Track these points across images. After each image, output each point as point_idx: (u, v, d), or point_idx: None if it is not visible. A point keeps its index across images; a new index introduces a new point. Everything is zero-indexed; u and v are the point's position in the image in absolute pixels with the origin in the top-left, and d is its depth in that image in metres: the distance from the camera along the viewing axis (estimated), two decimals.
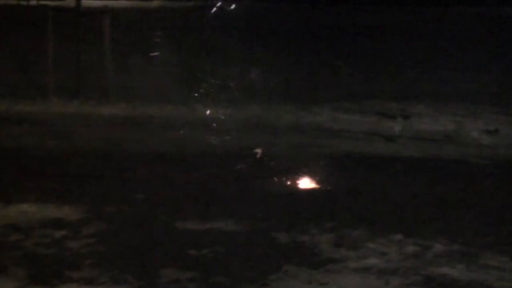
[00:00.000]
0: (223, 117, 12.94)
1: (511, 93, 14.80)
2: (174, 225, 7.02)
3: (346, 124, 12.40)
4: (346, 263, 6.08)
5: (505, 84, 15.87)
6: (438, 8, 34.25)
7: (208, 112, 13.27)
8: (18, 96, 14.22)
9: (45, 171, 9.06)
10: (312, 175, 8.69)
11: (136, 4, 33.31)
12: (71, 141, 10.82)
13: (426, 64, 19.28)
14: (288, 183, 8.54)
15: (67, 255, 6.23)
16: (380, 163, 9.84)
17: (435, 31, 25.59)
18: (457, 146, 10.94)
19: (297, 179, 8.61)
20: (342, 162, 9.74)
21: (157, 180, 8.67)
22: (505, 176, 9.30)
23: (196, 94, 14.30)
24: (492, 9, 32.19)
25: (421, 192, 8.32)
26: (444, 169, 9.57)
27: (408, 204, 7.82)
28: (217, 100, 13.68)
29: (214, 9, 17.31)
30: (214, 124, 12.27)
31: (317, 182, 8.56)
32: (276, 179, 8.62)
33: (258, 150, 9.80)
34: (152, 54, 18.18)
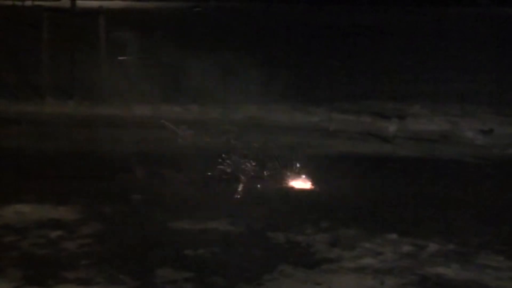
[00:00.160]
0: (218, 117, 12.95)
1: (506, 93, 14.84)
2: (170, 225, 7.02)
3: (342, 124, 12.41)
4: (342, 263, 6.09)
5: (500, 84, 15.92)
6: (435, 8, 34.32)
7: (204, 112, 13.28)
8: (13, 97, 14.21)
9: (41, 171, 9.06)
10: (307, 175, 8.69)
11: (132, 4, 33.34)
12: (67, 142, 10.82)
13: (422, 64, 19.34)
14: (284, 183, 8.54)
15: (63, 255, 6.23)
16: (376, 163, 9.85)
17: (431, 32, 25.66)
18: (452, 146, 10.96)
19: (293, 179, 8.61)
20: (338, 162, 9.75)
21: (153, 181, 8.67)
22: (500, 175, 9.32)
23: (191, 94, 14.30)
24: (489, 10, 32.26)
25: (417, 192, 8.33)
26: (439, 169, 9.59)
27: (403, 204, 7.84)
28: (213, 100, 13.69)
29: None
30: (209, 124, 12.28)
31: (313, 182, 8.56)
32: (271, 179, 8.62)
33: (253, 150, 9.79)
34: (147, 54, 18.20)
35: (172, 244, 6.50)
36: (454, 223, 7.17)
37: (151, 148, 10.42)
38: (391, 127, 12.01)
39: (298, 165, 8.75)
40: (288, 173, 8.68)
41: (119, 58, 16.41)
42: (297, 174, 8.67)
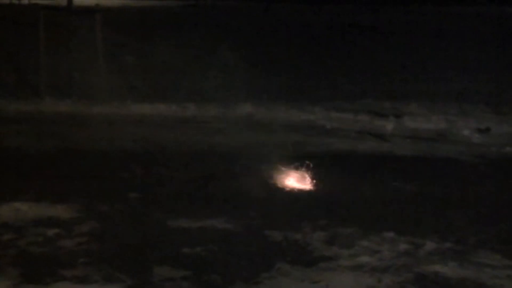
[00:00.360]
0: (215, 116, 12.95)
1: (503, 92, 14.86)
2: (167, 223, 7.03)
3: (339, 123, 12.42)
4: (339, 261, 6.10)
5: (498, 83, 15.93)
6: (434, 8, 34.35)
7: (201, 110, 13.28)
8: (10, 95, 14.20)
9: (39, 170, 9.05)
10: (304, 173, 8.70)
11: (129, 3, 33.32)
12: (64, 140, 10.81)
13: (419, 63, 19.35)
14: (281, 181, 8.55)
15: (60, 253, 6.23)
16: (372, 161, 9.86)
17: (429, 31, 25.68)
18: (449, 145, 10.96)
19: (290, 177, 8.61)
20: (335, 160, 9.76)
21: (151, 179, 8.68)
22: (497, 174, 9.33)
23: (188, 93, 14.31)
24: (488, 9, 32.28)
25: (414, 190, 8.34)
26: (436, 167, 9.59)
27: (401, 203, 7.85)
28: (210, 99, 13.69)
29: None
30: (207, 123, 12.29)
31: (310, 181, 8.57)
32: (268, 178, 8.63)
33: (251, 149, 9.81)
34: (145, 53, 18.20)
35: (170, 242, 6.50)
36: (451, 221, 7.18)
37: (149, 147, 10.42)
38: (389, 126, 12.02)
39: (295, 163, 8.76)
40: (286, 171, 8.69)
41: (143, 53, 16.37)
42: (295, 172, 8.67)
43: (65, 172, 8.92)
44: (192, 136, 11.15)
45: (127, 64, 17.06)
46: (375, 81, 16.72)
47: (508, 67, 18.03)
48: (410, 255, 6.24)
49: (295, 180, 8.56)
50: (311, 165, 8.82)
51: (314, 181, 8.57)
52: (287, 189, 8.32)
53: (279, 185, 8.40)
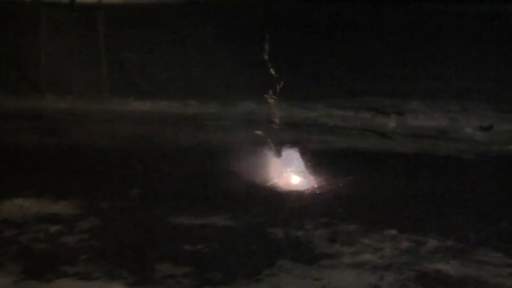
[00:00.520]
0: (216, 113, 12.95)
1: (506, 90, 14.83)
2: (169, 220, 7.03)
3: (341, 120, 12.41)
4: (341, 259, 6.09)
5: (500, 81, 15.90)
6: (433, 5, 34.31)
7: (202, 107, 13.28)
8: (11, 92, 14.21)
9: (40, 166, 9.06)
10: (306, 171, 8.69)
11: (131, 0, 33.29)
12: (65, 137, 10.81)
13: (420, 60, 19.32)
14: (282, 178, 8.54)
15: (62, 250, 6.24)
16: (374, 159, 9.85)
17: (430, 28, 25.65)
18: (451, 143, 10.95)
19: (291, 174, 8.61)
20: (337, 158, 9.75)
21: (152, 176, 8.68)
22: (499, 172, 9.31)
23: (189, 90, 14.31)
24: (489, 7, 32.24)
25: (416, 188, 8.33)
26: (438, 165, 9.58)
27: (402, 200, 7.84)
28: (211, 96, 13.69)
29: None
30: (208, 120, 12.28)
31: (311, 178, 8.56)
32: (270, 175, 8.62)
33: (252, 146, 9.79)
34: (146, 50, 18.19)
35: (171, 240, 6.51)
36: (453, 219, 7.17)
37: (149, 144, 10.42)
38: (390, 124, 12.01)
39: (297, 160, 8.75)
40: (287, 169, 8.68)
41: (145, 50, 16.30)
42: (296, 170, 8.67)
43: (67, 169, 8.93)
44: (194, 134, 11.15)
45: (129, 61, 17.05)
46: (376, 78, 16.70)
47: (510, 65, 18.00)
48: (411, 253, 6.23)
49: (296, 178, 8.55)
50: (312, 163, 8.82)
51: (316, 178, 8.56)
52: (289, 186, 8.32)
53: (281, 183, 8.40)
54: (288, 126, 11.78)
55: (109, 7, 17.46)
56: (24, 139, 10.61)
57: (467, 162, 9.78)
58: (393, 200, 7.82)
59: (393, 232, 6.67)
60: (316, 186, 8.34)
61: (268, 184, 8.34)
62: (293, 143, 10.24)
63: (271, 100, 9.60)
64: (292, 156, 8.83)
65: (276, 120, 9.69)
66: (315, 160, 8.88)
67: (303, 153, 8.88)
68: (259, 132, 8.99)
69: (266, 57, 9.39)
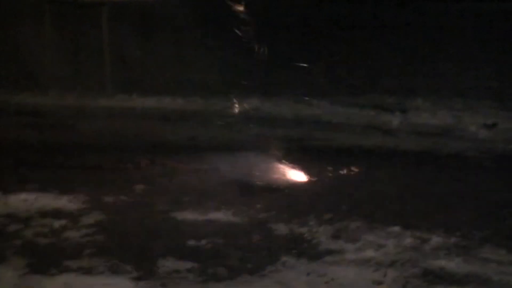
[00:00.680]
0: (221, 110, 12.94)
1: (509, 87, 14.81)
2: (173, 215, 7.03)
3: (345, 118, 12.40)
4: (344, 255, 6.09)
5: (504, 78, 15.88)
6: (438, 3, 34.22)
7: (206, 104, 13.28)
8: (16, 88, 14.23)
9: (44, 161, 9.07)
10: (310, 167, 8.70)
11: None
12: (70, 132, 10.83)
13: (424, 58, 19.30)
14: (286, 175, 8.55)
15: (66, 244, 6.25)
16: (378, 156, 9.84)
17: (435, 26, 25.59)
18: (455, 140, 10.94)
19: (295, 171, 8.61)
20: (340, 155, 9.74)
21: (156, 171, 8.68)
22: (503, 170, 9.30)
23: (193, 86, 14.31)
24: (491, 4, 32.16)
25: (420, 185, 8.32)
26: (442, 163, 9.57)
27: (406, 197, 7.83)
28: (216, 93, 13.68)
29: None
30: (212, 117, 12.28)
31: (315, 175, 8.57)
32: (274, 171, 8.63)
33: (256, 143, 9.81)
34: (150, 46, 18.17)
35: (175, 235, 6.51)
36: (457, 216, 7.16)
37: (153, 140, 10.42)
38: (394, 121, 12.00)
39: (301, 158, 8.76)
40: (291, 166, 8.69)
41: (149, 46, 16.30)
42: (300, 167, 8.67)
43: (71, 164, 8.94)
44: (198, 130, 11.15)
45: (132, 57, 17.05)
46: (380, 76, 16.68)
47: None
48: (415, 250, 6.23)
49: (300, 174, 8.56)
50: (317, 159, 8.83)
51: (320, 175, 8.56)
52: (293, 183, 8.32)
53: (285, 179, 8.40)
54: (292, 123, 11.79)
55: (113, 4, 17.44)
56: (28, 134, 10.63)
57: (471, 160, 9.76)
58: (397, 197, 7.81)
59: (397, 229, 6.67)
60: (319, 182, 8.34)
61: (272, 180, 8.34)
62: (297, 140, 10.26)
63: (274, 97, 9.57)
64: (296, 153, 8.84)
65: (279, 117, 9.68)
66: (319, 157, 8.88)
67: (307, 150, 8.89)
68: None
69: (269, 54, 9.34)
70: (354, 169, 8.97)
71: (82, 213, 7.02)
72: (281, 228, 6.72)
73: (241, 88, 13.66)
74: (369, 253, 6.15)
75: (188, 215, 7.03)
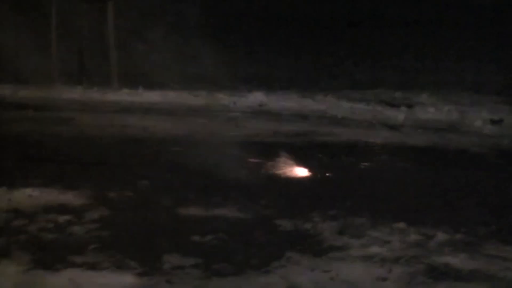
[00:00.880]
0: (226, 104, 12.94)
1: None
2: (178, 211, 7.03)
3: (350, 113, 12.39)
4: (349, 251, 6.08)
5: (510, 74, 15.83)
6: None
7: (212, 98, 13.28)
8: (23, 82, 14.25)
9: (49, 156, 9.08)
10: (315, 162, 8.69)
11: None
12: (75, 127, 10.84)
13: (430, 53, 19.26)
14: (291, 170, 8.54)
15: (70, 240, 6.24)
16: (383, 151, 9.83)
17: (442, 21, 25.51)
18: (460, 136, 10.93)
19: (301, 166, 8.61)
20: (346, 150, 9.73)
21: (161, 167, 8.68)
22: (509, 165, 9.29)
23: (199, 81, 14.30)
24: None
25: (424, 181, 8.32)
26: (447, 158, 9.56)
27: (411, 193, 7.83)
28: (221, 87, 13.68)
29: None
30: (218, 111, 12.28)
31: (320, 170, 8.56)
32: (279, 167, 8.62)
33: (262, 138, 9.80)
34: (156, 40, 18.16)
35: (180, 230, 6.50)
36: (462, 212, 7.15)
37: (159, 134, 10.42)
38: (400, 116, 11.98)
39: (306, 152, 8.75)
40: (296, 161, 8.68)
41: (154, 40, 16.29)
42: (305, 162, 8.67)
43: (76, 159, 8.94)
44: (203, 124, 11.15)
45: (138, 51, 17.05)
46: (387, 71, 16.65)
47: None
48: (420, 246, 6.21)
49: (305, 170, 8.55)
50: (322, 155, 8.82)
51: (325, 170, 8.56)
52: (298, 178, 8.31)
53: (290, 174, 8.39)
54: (298, 118, 11.79)
55: None
56: (34, 129, 10.64)
57: (477, 155, 9.75)
58: (402, 193, 7.81)
59: (402, 225, 6.65)
60: (324, 178, 8.33)
61: (277, 176, 8.33)
62: (302, 135, 10.26)
63: (280, 92, 9.56)
64: (300, 148, 8.84)
65: (284, 112, 9.67)
66: (324, 152, 8.87)
67: (311, 145, 8.88)
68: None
69: (275, 49, 9.34)
70: (359, 164, 8.97)
71: (86, 209, 7.01)
72: (286, 224, 6.70)
73: (247, 82, 13.66)
74: (374, 249, 6.13)
75: (193, 211, 7.02)
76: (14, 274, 5.50)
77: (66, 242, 6.18)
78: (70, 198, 7.33)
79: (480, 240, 6.38)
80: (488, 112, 12.23)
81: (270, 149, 9.24)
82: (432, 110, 12.51)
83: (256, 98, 13.15)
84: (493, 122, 11.61)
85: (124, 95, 13.50)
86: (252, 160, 8.86)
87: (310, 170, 8.52)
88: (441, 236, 6.42)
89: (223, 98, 13.22)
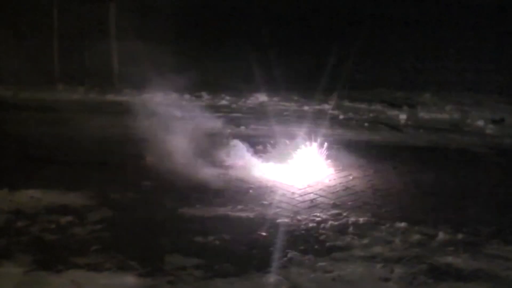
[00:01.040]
0: (228, 105, 12.93)
1: None
2: (180, 211, 7.02)
3: (352, 112, 12.38)
4: (351, 251, 6.08)
5: (510, 73, 15.80)
6: None
7: (214, 99, 13.26)
8: (24, 83, 14.24)
9: (51, 157, 9.06)
10: (317, 163, 8.68)
11: None
12: (77, 128, 10.82)
13: (430, 52, 19.22)
14: (293, 170, 8.53)
15: (72, 241, 6.25)
16: (385, 151, 9.82)
17: (443, 21, 25.47)
18: (462, 135, 10.92)
19: (303, 166, 8.60)
20: (348, 150, 9.72)
21: (163, 167, 8.66)
22: (510, 165, 9.28)
23: (201, 82, 14.28)
24: None
25: (426, 181, 8.31)
26: (449, 158, 9.56)
27: (413, 193, 7.82)
28: (223, 88, 13.67)
29: None
30: (220, 111, 12.27)
31: (322, 170, 8.56)
32: (281, 166, 8.62)
33: (264, 138, 9.79)
34: (158, 41, 18.13)
35: (182, 231, 6.50)
36: (464, 212, 7.15)
37: (161, 135, 10.41)
38: (402, 116, 11.97)
39: (308, 152, 8.75)
40: (299, 161, 8.67)
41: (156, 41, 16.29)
42: (307, 162, 8.66)
43: (78, 160, 8.93)
44: (205, 125, 11.13)
45: (140, 52, 17.03)
46: (388, 71, 16.63)
47: None
48: (422, 246, 6.22)
49: (307, 170, 8.54)
50: (323, 155, 8.81)
51: (327, 170, 8.55)
52: (300, 178, 8.30)
53: (292, 175, 8.38)
54: (300, 118, 11.77)
55: None
56: (36, 130, 10.63)
57: (478, 155, 9.74)
58: (404, 193, 7.81)
59: (404, 225, 6.65)
60: (326, 178, 8.33)
61: (280, 176, 8.33)
62: (303, 135, 10.23)
63: (282, 92, 9.56)
64: (303, 148, 8.83)
65: (288, 112, 9.66)
66: (326, 152, 8.86)
67: (313, 145, 8.87)
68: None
69: (277, 50, 9.34)
70: (361, 164, 8.97)
71: (88, 210, 7.02)
72: (288, 224, 6.71)
73: (249, 82, 13.65)
74: (376, 249, 6.14)
75: (196, 212, 7.02)
76: (16, 275, 5.51)
77: (68, 243, 6.19)
78: (72, 199, 7.33)
79: (482, 240, 6.39)
80: (490, 111, 12.22)
81: (271, 150, 9.22)
82: (434, 109, 12.50)
83: (258, 98, 13.14)
84: (494, 121, 11.60)
85: (126, 96, 13.48)
86: (253, 160, 8.83)
87: (311, 171, 8.51)
88: (443, 236, 6.43)
89: (224, 99, 13.21)
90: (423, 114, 12.23)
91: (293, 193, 7.74)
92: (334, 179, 8.30)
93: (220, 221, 6.79)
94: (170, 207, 7.17)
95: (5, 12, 16.39)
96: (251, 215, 6.97)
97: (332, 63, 16.79)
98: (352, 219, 6.83)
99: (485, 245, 6.25)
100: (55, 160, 8.92)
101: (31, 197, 7.33)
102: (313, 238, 6.39)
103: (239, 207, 7.15)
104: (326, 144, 9.10)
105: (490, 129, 11.28)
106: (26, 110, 12.17)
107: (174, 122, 10.34)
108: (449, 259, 5.93)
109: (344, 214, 6.99)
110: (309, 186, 8.03)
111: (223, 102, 13.25)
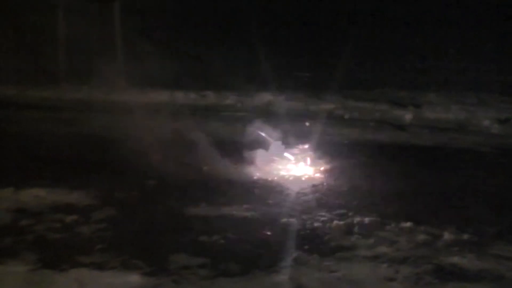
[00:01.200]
0: (233, 104, 12.93)
1: None
2: (185, 211, 7.01)
3: (357, 112, 12.37)
4: (357, 251, 6.06)
5: (510, 73, 15.80)
6: None
7: (219, 98, 13.26)
8: (29, 82, 14.26)
9: (56, 156, 9.06)
10: (322, 162, 8.67)
11: None
12: (82, 127, 10.83)
13: (437, 53, 19.23)
14: (299, 170, 8.52)
15: (77, 240, 6.24)
16: (390, 151, 9.81)
17: (449, 21, 25.49)
18: (468, 135, 10.90)
19: (308, 166, 8.59)
20: (353, 150, 9.71)
21: (168, 167, 8.65)
22: None
23: (207, 81, 14.29)
24: None
25: (432, 181, 8.29)
26: (455, 158, 9.54)
27: (418, 193, 7.80)
28: (228, 88, 13.67)
29: None
30: (226, 112, 12.27)
31: (328, 170, 8.55)
32: (286, 167, 8.61)
33: (268, 138, 9.77)
34: (163, 41, 18.17)
35: (187, 230, 6.49)
36: (470, 212, 7.13)
37: (166, 134, 10.40)
38: (407, 116, 11.96)
39: (313, 152, 8.74)
40: (304, 161, 8.67)
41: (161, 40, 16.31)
42: (312, 162, 8.65)
43: (83, 159, 8.93)
44: (212, 124, 11.13)
45: (145, 51, 17.05)
46: (394, 70, 16.63)
47: None
48: (428, 246, 6.19)
49: (313, 170, 8.53)
50: (329, 155, 8.80)
51: (332, 170, 8.54)
52: (305, 178, 8.30)
53: (297, 174, 8.38)
54: (305, 118, 11.76)
55: None
56: (41, 129, 10.64)
57: (484, 154, 9.72)
58: (409, 193, 7.78)
59: (409, 224, 6.63)
60: (331, 178, 8.31)
61: (285, 175, 8.32)
62: (309, 135, 10.23)
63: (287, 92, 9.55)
64: (308, 147, 8.83)
65: (292, 112, 9.65)
66: (331, 151, 8.85)
67: (319, 145, 8.87)
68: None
69: (281, 49, 9.32)
70: (367, 164, 8.95)
71: (93, 209, 7.01)
72: (294, 224, 6.69)
73: (254, 82, 13.65)
74: (382, 249, 6.12)
75: (200, 211, 7.01)
76: (20, 274, 5.50)
77: (72, 242, 6.19)
78: (77, 198, 7.33)
79: (488, 240, 6.37)
80: (495, 111, 12.20)
81: (276, 149, 9.21)
82: (439, 109, 12.48)
83: (264, 98, 13.14)
84: (500, 121, 11.57)
85: (131, 95, 13.48)
86: (258, 159, 8.82)
87: (316, 170, 8.50)
88: (448, 236, 6.41)
89: (230, 99, 13.21)
90: (428, 114, 12.22)
91: (298, 192, 7.73)
92: (339, 179, 8.28)
93: (225, 220, 6.77)
94: (174, 206, 7.16)
95: (8, 11, 16.43)
96: (256, 214, 6.96)
97: (335, 62, 16.80)
98: (357, 218, 6.81)
99: (491, 245, 6.22)
100: (60, 159, 8.92)
101: (35, 196, 7.33)
102: (318, 238, 6.38)
103: (244, 206, 7.14)
104: (330, 143, 9.09)
105: (496, 129, 11.26)
106: (30, 109, 12.17)
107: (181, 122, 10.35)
108: (455, 259, 5.91)
109: (350, 213, 6.97)
110: (313, 185, 8.01)
111: (228, 101, 13.23)
